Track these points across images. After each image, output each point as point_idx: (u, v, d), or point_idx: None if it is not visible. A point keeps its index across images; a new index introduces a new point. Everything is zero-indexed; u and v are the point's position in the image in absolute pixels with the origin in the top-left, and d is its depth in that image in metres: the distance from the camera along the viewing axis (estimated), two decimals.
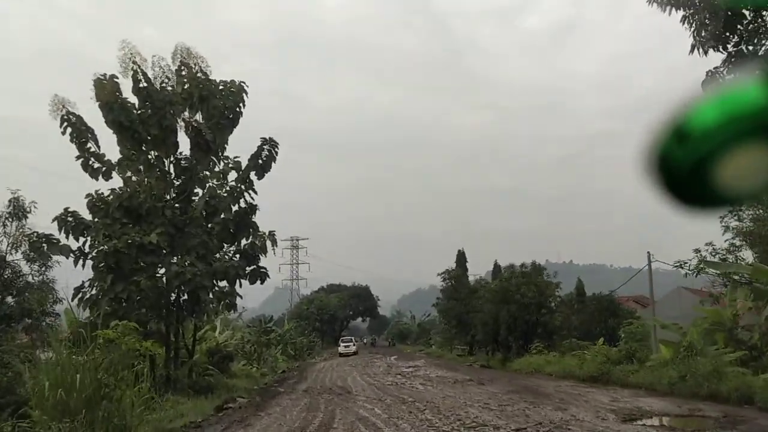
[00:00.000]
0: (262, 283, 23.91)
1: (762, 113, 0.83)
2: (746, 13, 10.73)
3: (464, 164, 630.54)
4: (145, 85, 21.38)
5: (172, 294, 21.47)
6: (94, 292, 20.34)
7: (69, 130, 21.06)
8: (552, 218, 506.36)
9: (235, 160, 23.84)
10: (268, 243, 24.07)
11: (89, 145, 21.39)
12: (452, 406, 16.54)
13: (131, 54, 21.05)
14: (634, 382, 21.45)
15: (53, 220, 20.62)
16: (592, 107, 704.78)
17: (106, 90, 20.82)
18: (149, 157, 22.36)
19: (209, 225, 23.09)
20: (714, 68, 14.65)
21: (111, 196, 20.94)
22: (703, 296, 55.23)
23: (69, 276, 21.72)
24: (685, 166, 0.87)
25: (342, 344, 65.80)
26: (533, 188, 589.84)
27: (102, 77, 20.98)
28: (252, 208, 23.75)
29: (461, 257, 67.72)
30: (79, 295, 20.52)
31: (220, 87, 22.77)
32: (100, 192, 21.19)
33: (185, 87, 22.34)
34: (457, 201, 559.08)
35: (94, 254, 20.53)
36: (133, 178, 21.57)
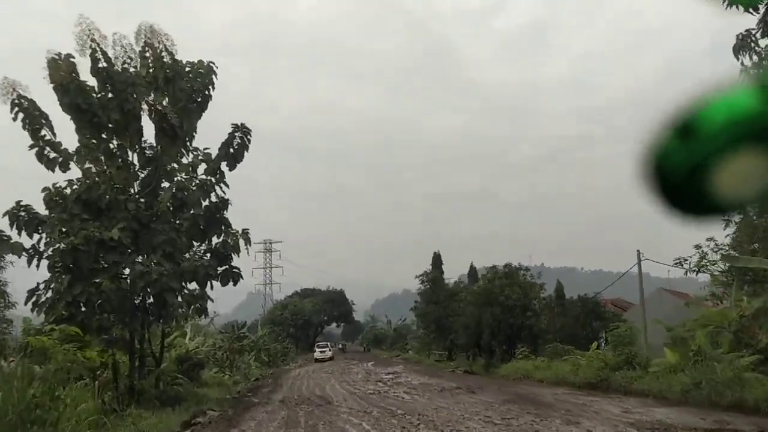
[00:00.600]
0: (234, 285, 21.96)
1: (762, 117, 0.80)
2: None
3: (437, 167, 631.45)
4: (105, 65, 19.40)
5: (137, 297, 19.50)
6: (50, 294, 18.36)
7: (21, 116, 19.05)
8: (524, 221, 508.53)
9: (205, 151, 22.03)
10: (241, 242, 22.22)
11: (44, 132, 19.34)
12: (449, 420, 14.80)
13: (89, 30, 19.06)
14: (639, 389, 19.91)
15: (3, 215, 18.60)
16: (564, 109, 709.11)
17: (61, 70, 18.83)
18: (110, 146, 20.45)
19: (177, 221, 21.28)
20: (746, 31, 13.20)
21: (68, 189, 19.00)
22: (684, 298, 54.55)
23: (25, 277, 19.94)
24: (683, 171, 0.83)
25: (318, 350, 65.24)
26: (505, 191, 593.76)
27: (56, 56, 18.98)
28: (224, 203, 21.92)
29: (437, 260, 66.60)
30: (33, 299, 18.45)
31: (187, 69, 20.89)
32: (57, 185, 19.25)
33: (150, 70, 20.50)
34: (431, 204, 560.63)
35: (49, 252, 18.54)
36: (93, 169, 19.62)
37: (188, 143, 21.77)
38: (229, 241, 21.89)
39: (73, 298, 17.55)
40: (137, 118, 20.40)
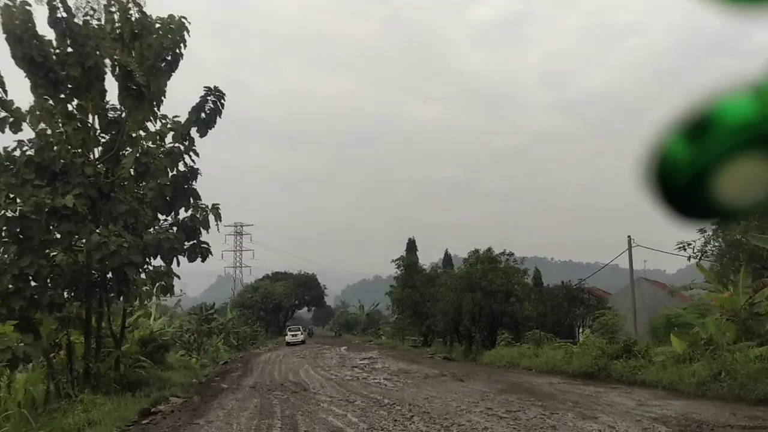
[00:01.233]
0: (203, 261, 20.13)
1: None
2: None
3: (411, 156, 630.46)
4: (65, 15, 17.44)
5: (95, 271, 17.65)
6: None
7: None
8: (496, 211, 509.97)
9: (175, 119, 20.19)
10: (211, 218, 20.40)
11: None
12: (446, 412, 13.23)
13: None
14: (644, 380, 18.47)
15: None
16: (537, 101, 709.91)
17: (14, 18, 16.83)
18: (69, 107, 18.56)
19: (141, 191, 19.48)
20: None
21: (17, 151, 17.05)
22: (662, 288, 53.87)
23: None
24: (688, 172, 0.79)
25: (290, 333, 64.73)
26: (478, 181, 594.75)
27: (10, 2, 16.96)
28: (192, 173, 20.16)
29: (412, 245, 65.43)
30: None
31: (157, 25, 18.97)
32: (7, 148, 17.28)
33: (115, 24, 18.57)
34: (404, 192, 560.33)
35: None
36: (48, 131, 17.68)
37: (156, 108, 19.93)
38: (198, 216, 20.08)
39: (20, 270, 15.66)
40: (100, 78, 18.55)
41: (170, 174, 19.64)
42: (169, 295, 21.78)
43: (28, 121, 17.81)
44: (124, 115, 18.94)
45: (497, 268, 35.13)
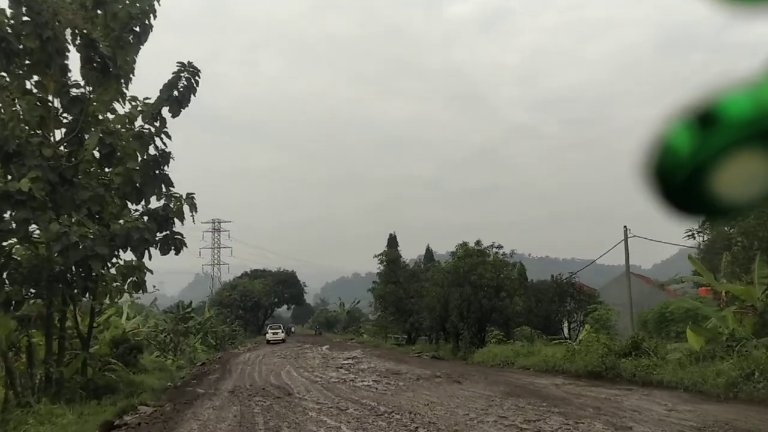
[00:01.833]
0: (177, 253, 18.36)
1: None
2: None
3: (387, 152, 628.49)
4: None
5: (56, 264, 15.85)
6: None
7: None
8: (472, 208, 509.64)
9: (145, 101, 18.39)
10: (186, 208, 18.63)
11: None
12: (454, 422, 11.55)
13: None
14: (661, 380, 16.95)
15: None
16: (514, 98, 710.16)
17: None
18: (27, 84, 16.75)
19: (107, 177, 17.71)
20: None
21: None
22: (648, 283, 52.87)
23: None
24: (690, 166, 0.78)
25: (270, 331, 64.89)
26: (454, 178, 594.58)
27: None
28: (164, 157, 18.32)
29: (393, 241, 64.20)
30: None
31: None
32: None
33: None
34: (380, 190, 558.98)
35: None
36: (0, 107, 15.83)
37: (124, 86, 18.13)
38: (172, 205, 18.32)
39: None
40: (61, 51, 16.70)
41: (140, 158, 17.91)
42: (141, 291, 19.98)
43: None
44: (88, 91, 17.10)
45: (486, 262, 33.65)
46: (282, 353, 41.04)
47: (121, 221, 17.56)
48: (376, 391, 17.48)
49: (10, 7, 15.85)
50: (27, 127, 15.89)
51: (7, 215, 14.85)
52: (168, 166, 18.44)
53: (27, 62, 16.48)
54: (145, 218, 17.70)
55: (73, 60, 17.22)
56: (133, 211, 18.48)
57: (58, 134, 17.30)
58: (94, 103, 17.70)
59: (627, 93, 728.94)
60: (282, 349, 47.77)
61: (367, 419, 12.21)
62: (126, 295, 21.92)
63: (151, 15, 17.50)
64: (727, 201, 0.78)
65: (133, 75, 18.38)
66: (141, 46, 17.76)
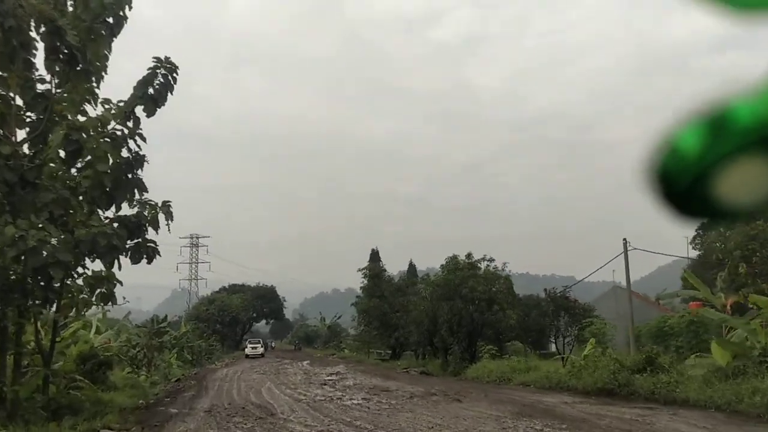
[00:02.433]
0: (149, 262, 16.97)
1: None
2: None
3: (370, 171, 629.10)
4: None
5: (12, 272, 14.40)
6: None
7: None
8: (454, 225, 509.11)
9: (119, 104, 17.01)
10: (162, 217, 17.26)
11: None
12: None
13: None
14: (686, 398, 15.65)
15: None
16: (494, 119, 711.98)
17: None
18: None
19: (74, 181, 16.30)
20: None
21: None
22: (638, 298, 52.10)
23: None
24: (694, 169, 0.78)
25: (249, 345, 65.48)
26: (436, 195, 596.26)
27: None
28: (138, 160, 16.92)
29: (375, 256, 63.19)
30: None
31: None
32: None
33: None
34: (362, 207, 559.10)
35: None
36: None
37: (96, 85, 16.77)
38: (147, 214, 16.95)
39: None
40: (26, 45, 15.33)
41: (111, 161, 16.51)
42: (111, 304, 18.54)
43: None
44: (54, 85, 15.72)
45: (477, 275, 32.51)
46: (261, 369, 39.62)
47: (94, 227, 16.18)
48: (369, 410, 16.14)
49: None
50: None
51: None
52: (142, 170, 17.07)
53: None
54: (116, 225, 16.34)
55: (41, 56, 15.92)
56: (103, 218, 17.12)
57: (23, 135, 15.95)
58: (63, 103, 16.37)
59: (607, 113, 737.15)
60: (261, 364, 46.36)
61: None
62: (97, 308, 20.61)
63: (126, 6, 16.18)
64: (729, 205, 0.78)
65: (106, 73, 17.04)
66: (114, 38, 16.40)
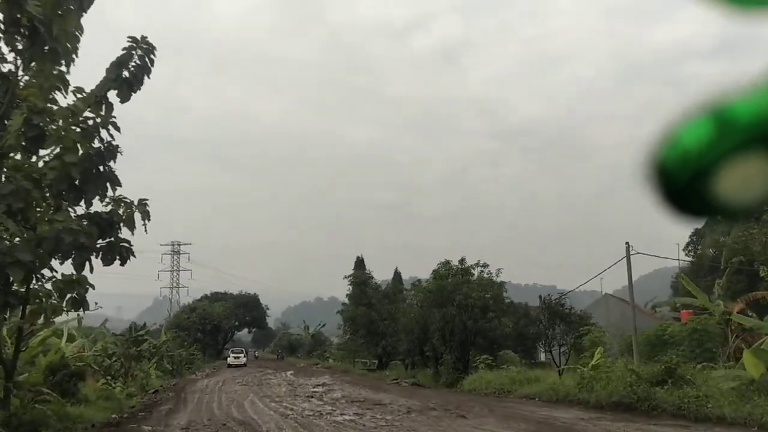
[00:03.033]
0: (123, 264, 15.37)
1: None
2: None
3: (351, 178, 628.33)
4: None
5: None
6: None
7: None
8: (438, 232, 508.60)
9: (92, 92, 15.43)
10: (137, 215, 15.68)
11: None
12: None
13: None
14: (721, 414, 14.24)
15: None
16: (475, 127, 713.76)
17: None
18: None
19: (41, 173, 14.69)
20: None
21: None
22: (629, 306, 50.93)
23: None
24: (694, 167, 0.78)
25: (232, 354, 64.24)
26: (418, 203, 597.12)
27: None
28: (110, 151, 15.34)
29: (360, 263, 61.92)
30: None
31: None
32: None
33: None
34: (344, 215, 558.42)
35: None
36: None
37: (65, 68, 15.17)
38: (122, 213, 15.39)
39: None
40: None
41: (81, 152, 14.92)
42: (83, 310, 16.92)
43: None
44: (15, 67, 14.13)
45: (471, 281, 31.12)
46: (243, 380, 38.05)
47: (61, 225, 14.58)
48: (365, 428, 14.64)
49: None
50: None
51: None
52: (115, 162, 15.51)
53: None
54: (85, 222, 14.74)
55: None
56: (73, 215, 15.52)
57: None
58: (29, 88, 14.78)
59: (589, 120, 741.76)
60: (243, 374, 44.76)
61: None
62: (68, 315, 19.10)
63: None
64: (728, 203, 0.78)
65: (77, 56, 15.47)
66: (83, 13, 14.81)
